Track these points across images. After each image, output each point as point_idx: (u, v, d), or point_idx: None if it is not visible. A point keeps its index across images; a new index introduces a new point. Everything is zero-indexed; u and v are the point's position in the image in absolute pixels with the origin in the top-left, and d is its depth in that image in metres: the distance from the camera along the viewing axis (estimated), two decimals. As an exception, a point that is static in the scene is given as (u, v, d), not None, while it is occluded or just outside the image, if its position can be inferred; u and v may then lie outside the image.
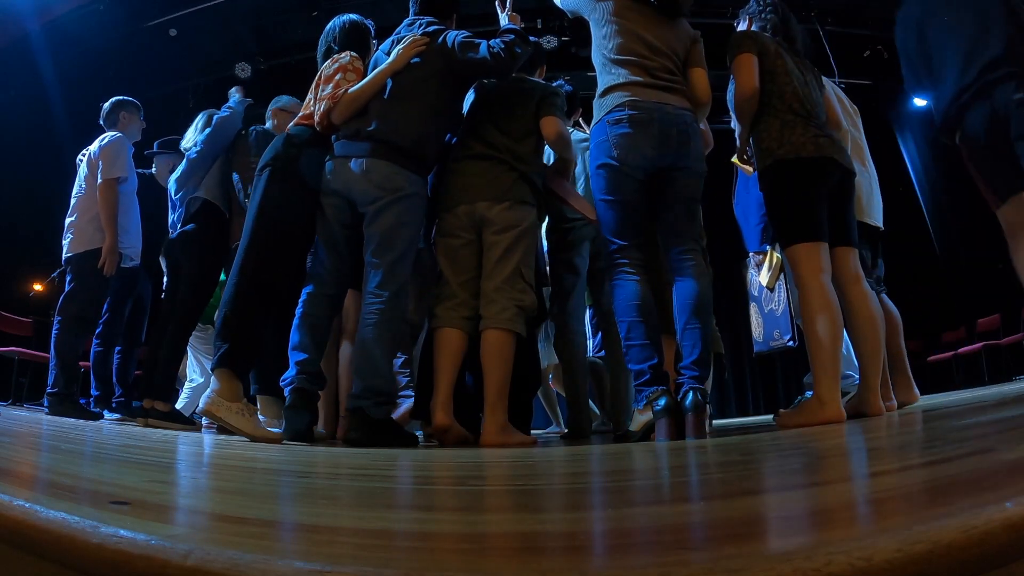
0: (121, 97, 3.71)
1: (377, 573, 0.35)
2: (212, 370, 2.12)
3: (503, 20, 2.39)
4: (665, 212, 2.16)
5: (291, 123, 2.51)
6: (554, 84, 3.29)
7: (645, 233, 2.18)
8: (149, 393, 3.11)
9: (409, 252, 2.24)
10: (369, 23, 2.61)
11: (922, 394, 3.92)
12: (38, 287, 6.10)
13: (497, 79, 2.40)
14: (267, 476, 1.05)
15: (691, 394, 1.94)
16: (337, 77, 2.33)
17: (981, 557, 0.34)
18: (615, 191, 2.11)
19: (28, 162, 6.01)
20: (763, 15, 2.42)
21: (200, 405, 2.08)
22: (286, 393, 2.21)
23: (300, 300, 2.30)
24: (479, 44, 2.24)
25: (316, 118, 2.35)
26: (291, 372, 2.20)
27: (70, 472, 0.87)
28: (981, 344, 5.88)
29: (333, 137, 2.35)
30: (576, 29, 5.91)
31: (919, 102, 7.07)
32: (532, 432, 2.70)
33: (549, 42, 6.03)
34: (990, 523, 0.35)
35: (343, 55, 2.41)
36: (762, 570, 0.31)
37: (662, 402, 1.94)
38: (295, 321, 2.28)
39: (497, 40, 2.24)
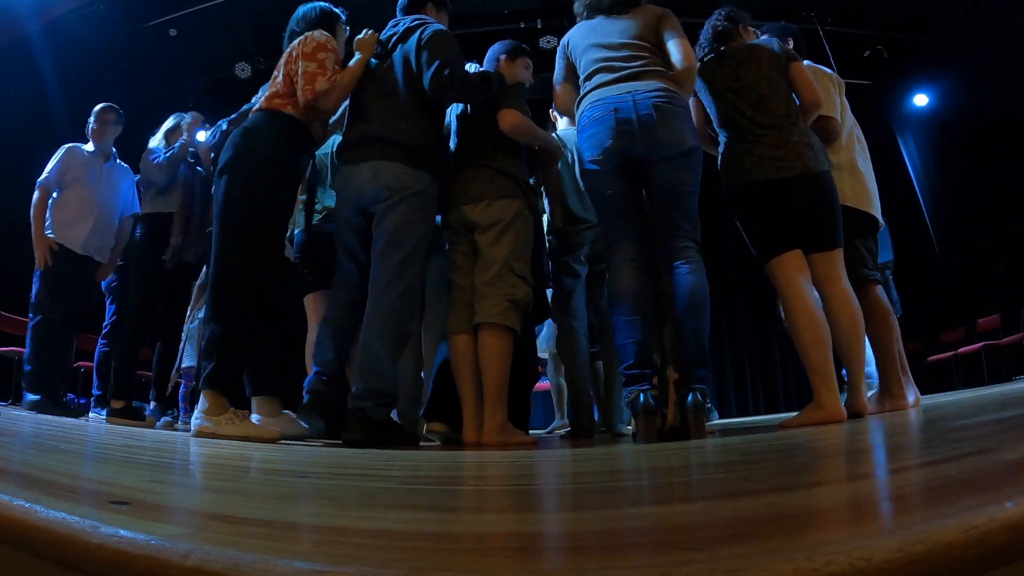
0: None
1: (377, 573, 0.35)
2: (200, 389, 2.08)
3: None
4: (652, 209, 2.14)
5: (255, 107, 2.39)
6: None
7: (639, 227, 2.14)
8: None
9: (418, 252, 2.21)
10: (339, 11, 2.52)
11: (922, 394, 3.92)
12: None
13: (432, 95, 2.24)
14: (267, 476, 1.05)
15: (690, 394, 1.92)
16: (321, 56, 2.23)
17: (981, 557, 0.34)
18: (596, 190, 2.15)
19: (28, 162, 6.01)
20: (701, 38, 2.42)
21: (192, 428, 2.06)
22: (304, 396, 2.23)
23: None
24: (437, 60, 2.18)
25: (302, 97, 2.21)
26: (311, 375, 2.22)
27: (70, 472, 0.87)
28: (981, 344, 5.88)
29: (336, 147, 2.37)
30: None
31: (919, 102, 7.10)
32: (532, 431, 2.70)
33: (549, 42, 6.04)
34: (990, 523, 0.35)
35: (316, 32, 2.31)
36: (762, 570, 0.31)
37: (639, 401, 1.93)
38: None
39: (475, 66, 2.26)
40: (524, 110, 2.35)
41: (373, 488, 0.94)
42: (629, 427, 3.39)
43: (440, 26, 2.32)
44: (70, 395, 5.54)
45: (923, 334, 6.87)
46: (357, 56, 2.32)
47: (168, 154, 3.48)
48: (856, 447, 1.20)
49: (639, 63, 2.11)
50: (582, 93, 2.19)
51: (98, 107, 3.69)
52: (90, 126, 3.66)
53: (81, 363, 5.82)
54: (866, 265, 2.48)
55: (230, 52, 6.61)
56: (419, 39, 2.25)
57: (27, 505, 0.48)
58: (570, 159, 2.97)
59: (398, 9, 2.50)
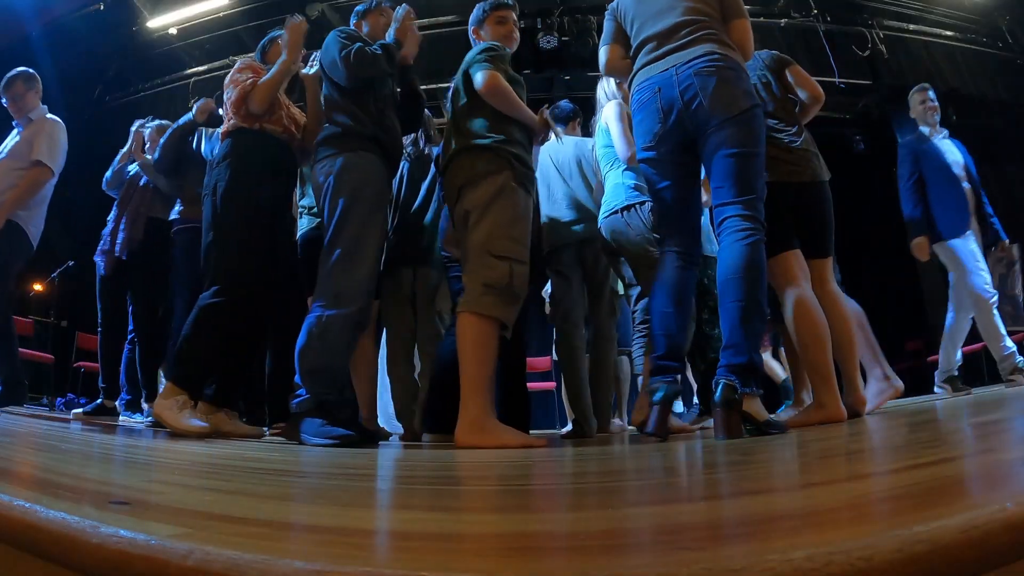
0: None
1: (377, 573, 0.35)
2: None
3: (390, 32, 2.34)
4: (709, 173, 1.93)
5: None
6: (562, 103, 3.31)
7: (690, 218, 2.01)
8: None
9: (342, 228, 2.12)
10: (272, 34, 2.74)
11: (922, 394, 3.93)
12: (38, 287, 6.12)
13: (350, 84, 2.25)
14: (267, 476, 1.05)
15: (719, 386, 1.71)
16: (236, 77, 2.48)
17: (981, 557, 0.34)
18: (650, 178, 2.03)
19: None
20: None
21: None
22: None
23: None
24: (346, 46, 2.21)
25: (230, 109, 2.44)
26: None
27: (70, 472, 0.87)
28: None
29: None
30: (576, 28, 5.92)
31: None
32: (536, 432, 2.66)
33: (549, 42, 6.03)
34: (990, 523, 0.35)
35: (236, 66, 2.59)
36: (762, 570, 0.31)
37: (657, 394, 1.83)
38: None
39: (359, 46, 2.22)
40: (497, 69, 2.16)
41: (373, 488, 0.94)
42: (617, 421, 3.39)
43: (336, 29, 2.38)
44: (70, 395, 5.55)
45: (923, 334, 6.85)
46: (280, 60, 2.43)
47: (106, 175, 3.68)
48: (856, 447, 1.20)
49: (686, 31, 1.93)
50: (633, 72, 2.05)
51: (1, 83, 3.43)
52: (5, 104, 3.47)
53: (82, 363, 5.83)
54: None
55: (230, 52, 6.61)
56: (321, 55, 2.33)
57: (27, 505, 0.48)
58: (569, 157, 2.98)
59: None
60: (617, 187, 2.69)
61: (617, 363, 3.56)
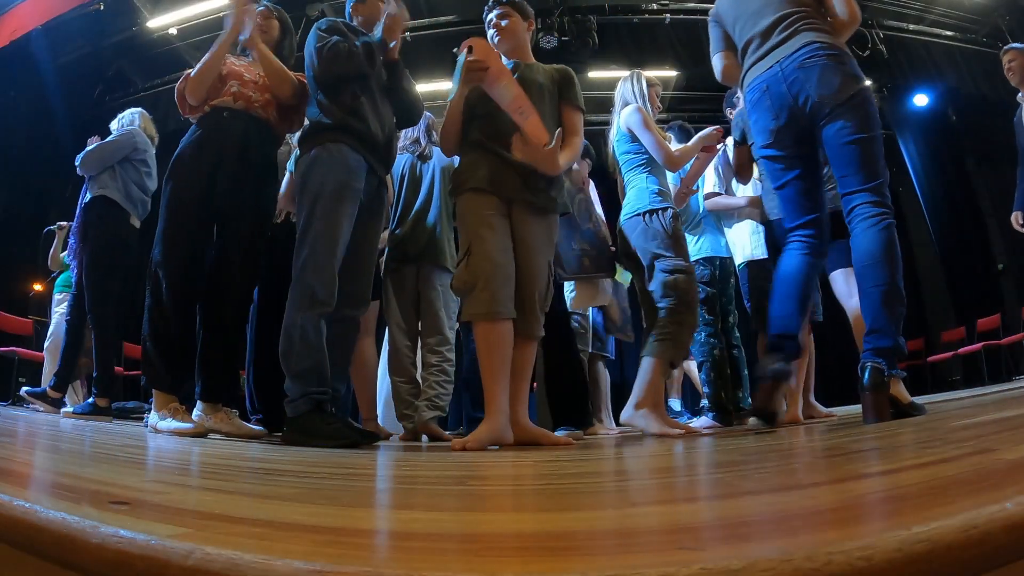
0: None
1: (377, 573, 0.35)
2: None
3: (378, 29, 2.27)
4: (830, 162, 1.96)
5: None
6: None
7: (817, 207, 2.02)
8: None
9: (308, 228, 2.11)
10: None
11: (922, 394, 3.93)
12: (38, 287, 6.11)
13: (322, 79, 2.21)
14: (267, 476, 1.05)
15: (867, 370, 1.70)
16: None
17: (981, 557, 0.34)
18: (773, 173, 2.08)
19: (28, 162, 6.01)
20: None
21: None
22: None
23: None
24: (323, 39, 2.17)
25: (177, 99, 2.48)
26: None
27: (70, 472, 0.87)
28: (981, 344, 5.88)
29: None
30: (576, 28, 5.92)
31: (919, 102, 7.08)
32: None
33: (549, 42, 6.03)
34: (990, 523, 0.35)
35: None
36: (762, 570, 0.31)
37: (768, 370, 1.87)
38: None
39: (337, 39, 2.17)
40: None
41: (373, 488, 0.94)
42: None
43: (319, 22, 2.32)
44: (70, 394, 5.54)
45: (923, 334, 6.86)
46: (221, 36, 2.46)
47: None
48: (856, 447, 1.20)
49: (784, 24, 1.97)
50: (743, 72, 2.10)
51: None
52: None
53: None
54: None
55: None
56: (306, 48, 2.27)
57: (27, 505, 0.48)
58: None
59: None
60: (641, 191, 2.60)
61: (596, 369, 3.61)
